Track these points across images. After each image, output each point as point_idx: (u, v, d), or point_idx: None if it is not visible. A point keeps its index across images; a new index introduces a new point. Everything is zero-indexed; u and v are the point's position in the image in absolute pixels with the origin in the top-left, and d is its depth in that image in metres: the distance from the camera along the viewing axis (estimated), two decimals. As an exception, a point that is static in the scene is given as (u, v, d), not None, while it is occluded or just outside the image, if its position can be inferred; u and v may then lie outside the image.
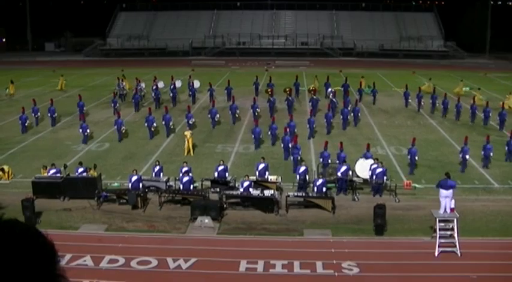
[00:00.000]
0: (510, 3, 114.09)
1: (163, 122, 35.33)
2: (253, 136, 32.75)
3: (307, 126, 35.03)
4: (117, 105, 41.64)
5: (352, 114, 38.35)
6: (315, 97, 42.43)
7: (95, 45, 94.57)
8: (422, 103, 43.15)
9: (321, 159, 26.66)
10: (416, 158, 27.42)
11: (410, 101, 44.77)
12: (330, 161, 26.17)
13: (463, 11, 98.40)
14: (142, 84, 47.32)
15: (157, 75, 51.52)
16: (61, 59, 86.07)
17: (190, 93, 47.57)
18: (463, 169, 27.84)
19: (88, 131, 33.79)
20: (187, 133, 31.47)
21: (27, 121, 36.44)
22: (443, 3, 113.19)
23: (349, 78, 50.08)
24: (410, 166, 27.63)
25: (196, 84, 49.00)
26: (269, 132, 33.19)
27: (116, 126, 34.54)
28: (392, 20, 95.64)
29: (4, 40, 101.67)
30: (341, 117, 37.84)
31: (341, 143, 27.66)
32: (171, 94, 46.32)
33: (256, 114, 38.92)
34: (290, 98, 42.71)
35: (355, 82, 49.53)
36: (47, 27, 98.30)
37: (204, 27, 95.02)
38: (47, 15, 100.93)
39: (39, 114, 38.22)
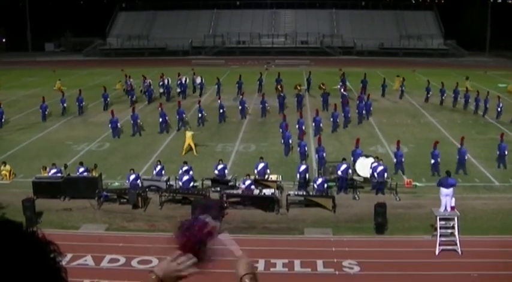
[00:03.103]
0: (510, 2, 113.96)
1: (177, 116, 36.34)
2: (280, 130, 33.07)
3: (331, 120, 35.69)
4: (134, 97, 44.37)
5: (364, 108, 39.05)
6: (327, 92, 43.18)
7: (95, 45, 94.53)
8: (444, 97, 44.00)
9: (352, 158, 26.24)
10: (466, 157, 27.39)
11: (430, 95, 45.45)
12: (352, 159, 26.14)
13: (463, 10, 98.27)
14: (149, 81, 48.44)
15: (158, 74, 51.65)
16: (61, 59, 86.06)
17: (199, 86, 49.24)
18: (501, 164, 27.86)
19: (118, 124, 34.71)
20: (189, 133, 31.44)
21: (47, 110, 39.35)
22: (443, 1, 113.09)
23: (350, 76, 50.54)
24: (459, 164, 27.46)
25: (198, 80, 50.21)
26: (297, 126, 33.52)
27: (132, 121, 35.32)
28: (392, 19, 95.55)
29: (4, 40, 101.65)
30: (356, 111, 38.56)
31: (357, 140, 27.98)
32: (180, 89, 48.05)
33: (266, 109, 40.06)
34: (301, 93, 43.31)
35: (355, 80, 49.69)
36: (46, 27, 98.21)
37: (204, 27, 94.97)
38: (47, 15, 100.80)
39: (65, 104, 40.87)
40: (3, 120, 38.05)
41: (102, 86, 46.09)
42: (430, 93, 45.49)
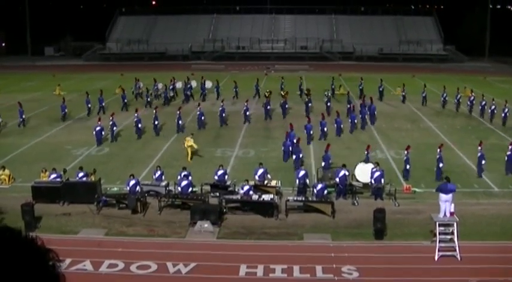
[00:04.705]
0: (509, 7, 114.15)
1: (155, 122, 36.56)
2: (305, 131, 34.13)
3: (335, 126, 36.39)
4: (149, 98, 46.59)
5: (368, 113, 39.93)
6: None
7: (95, 50, 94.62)
8: (459, 103, 44.30)
9: (323, 162, 26.88)
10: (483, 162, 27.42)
11: (446, 98, 45.49)
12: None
13: (463, 15, 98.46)
14: (159, 85, 50.02)
15: (158, 79, 51.79)
16: (61, 64, 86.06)
17: (215, 90, 50.38)
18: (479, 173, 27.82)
19: (103, 132, 34.50)
20: (189, 139, 31.20)
21: (66, 109, 41.06)
22: (442, 7, 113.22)
23: (349, 81, 50.72)
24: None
25: (208, 84, 51.25)
26: (319, 128, 35.07)
27: (115, 127, 35.49)
28: (392, 24, 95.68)
29: (4, 44, 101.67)
30: (368, 113, 39.88)
31: (327, 145, 28.58)
32: (188, 93, 49.48)
33: (248, 114, 40.42)
34: (285, 101, 43.60)
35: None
36: (46, 32, 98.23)
37: (204, 32, 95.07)
38: (47, 19, 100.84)
39: (89, 105, 42.76)
40: (22, 119, 38.99)
41: (119, 87, 48.39)
42: (446, 99, 45.41)
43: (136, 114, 36.47)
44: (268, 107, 42.01)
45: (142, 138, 35.62)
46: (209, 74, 62.71)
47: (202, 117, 38.41)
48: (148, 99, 46.50)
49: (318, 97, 45.89)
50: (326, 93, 45.15)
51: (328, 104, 43.02)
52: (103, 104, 43.32)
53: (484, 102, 41.71)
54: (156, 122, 36.47)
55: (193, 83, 51.29)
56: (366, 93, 46.24)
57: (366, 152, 27.61)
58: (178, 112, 37.70)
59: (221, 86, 51.00)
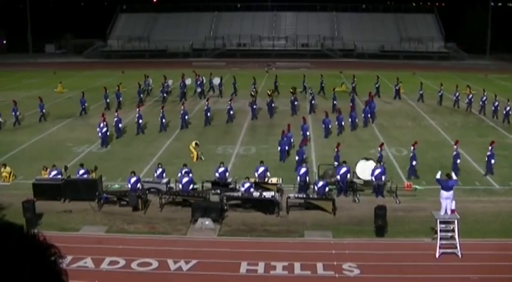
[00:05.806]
0: (510, 5, 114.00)
1: (139, 120, 36.44)
2: (323, 126, 34.98)
3: (349, 120, 36.98)
4: (165, 95, 47.57)
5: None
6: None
7: (96, 47, 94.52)
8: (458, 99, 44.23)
9: (297, 157, 27.69)
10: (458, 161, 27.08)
11: (459, 97, 44.87)
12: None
13: (464, 13, 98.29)
14: (170, 81, 50.81)
15: (159, 76, 51.83)
16: (61, 61, 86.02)
17: (220, 88, 50.85)
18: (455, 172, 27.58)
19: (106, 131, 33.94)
20: (193, 144, 30.90)
21: (86, 103, 42.62)
22: (443, 4, 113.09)
23: (350, 78, 50.67)
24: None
25: (216, 81, 51.63)
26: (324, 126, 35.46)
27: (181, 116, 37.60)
28: (393, 21, 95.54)
29: (5, 42, 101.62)
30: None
31: (302, 140, 29.54)
32: (199, 89, 50.29)
33: (232, 113, 40.14)
34: (295, 97, 43.58)
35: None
36: (47, 29, 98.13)
37: (205, 29, 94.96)
38: (48, 16, 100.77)
39: (108, 100, 43.89)
40: (42, 113, 40.31)
41: (137, 83, 48.60)
42: (459, 98, 44.77)
43: (116, 114, 36.22)
44: (255, 107, 41.50)
45: (143, 136, 35.60)
46: (210, 71, 62.76)
47: (186, 117, 38.16)
48: (164, 95, 47.35)
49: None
50: (310, 90, 45.11)
51: (313, 102, 43.09)
52: (120, 98, 44.31)
53: (497, 103, 40.57)
54: (140, 121, 36.24)
55: (203, 79, 51.38)
56: (370, 90, 46.18)
57: (335, 150, 27.51)
58: (161, 111, 37.49)
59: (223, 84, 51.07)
